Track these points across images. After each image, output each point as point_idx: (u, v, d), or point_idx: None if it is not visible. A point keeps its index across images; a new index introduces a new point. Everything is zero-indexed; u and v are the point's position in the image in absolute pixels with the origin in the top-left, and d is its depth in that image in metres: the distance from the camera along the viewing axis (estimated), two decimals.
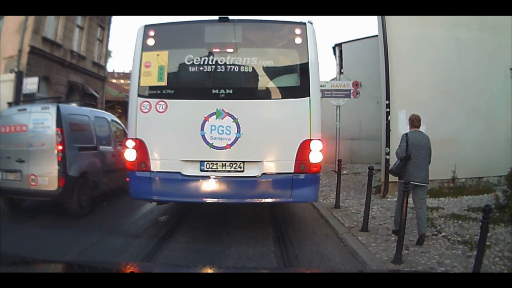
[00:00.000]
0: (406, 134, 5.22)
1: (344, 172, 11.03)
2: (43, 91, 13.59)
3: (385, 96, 7.89)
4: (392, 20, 7.91)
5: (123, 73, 48.80)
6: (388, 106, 7.83)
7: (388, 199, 7.77)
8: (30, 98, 10.33)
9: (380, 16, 8.02)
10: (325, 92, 11.05)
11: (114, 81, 39.46)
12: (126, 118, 5.66)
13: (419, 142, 5.07)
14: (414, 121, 5.30)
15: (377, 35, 9.46)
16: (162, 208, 6.87)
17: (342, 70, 15.52)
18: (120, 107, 21.96)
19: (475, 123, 8.24)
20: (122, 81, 44.91)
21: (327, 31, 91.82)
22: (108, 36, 19.40)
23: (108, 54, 20.82)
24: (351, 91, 11.30)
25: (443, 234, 5.30)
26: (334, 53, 15.78)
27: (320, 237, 5.53)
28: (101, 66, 18.58)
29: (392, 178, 7.50)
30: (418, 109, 8.04)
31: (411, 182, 4.80)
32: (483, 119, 8.27)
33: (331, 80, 13.25)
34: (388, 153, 7.80)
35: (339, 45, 15.52)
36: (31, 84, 11.88)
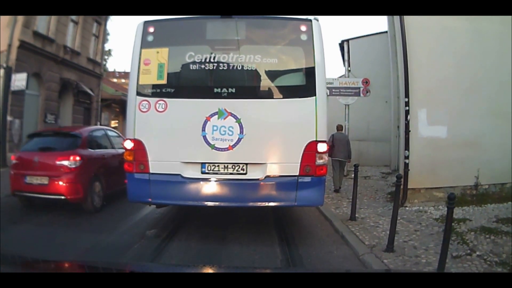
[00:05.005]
0: (333, 134, 9.00)
1: (352, 175, 10.31)
2: (33, 88, 12.91)
3: (403, 94, 7.13)
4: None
5: (124, 72, 48.25)
6: (407, 104, 7.08)
7: (407, 208, 7.03)
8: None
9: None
10: (333, 90, 10.36)
11: (115, 80, 39.22)
12: (124, 118, 5.59)
13: (340, 138, 9.10)
14: (339, 128, 9.44)
15: (385, 32, 8.79)
16: (162, 209, 6.72)
17: (349, 68, 14.86)
18: (117, 105, 21.26)
19: (500, 124, 7.51)
20: (123, 80, 44.36)
21: (332, 28, 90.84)
22: (104, 32, 18.75)
23: (104, 50, 20.15)
24: (361, 89, 10.58)
25: (477, 253, 4.62)
26: (342, 49, 15.12)
27: (338, 259, 4.68)
28: (97, 62, 17.83)
29: (411, 185, 6.96)
30: (439, 109, 7.42)
31: (336, 159, 8.90)
32: (508, 120, 7.54)
33: (339, 77, 12.53)
34: (407, 157, 7.04)
35: (347, 41, 14.85)
36: (19, 80, 11.22)
